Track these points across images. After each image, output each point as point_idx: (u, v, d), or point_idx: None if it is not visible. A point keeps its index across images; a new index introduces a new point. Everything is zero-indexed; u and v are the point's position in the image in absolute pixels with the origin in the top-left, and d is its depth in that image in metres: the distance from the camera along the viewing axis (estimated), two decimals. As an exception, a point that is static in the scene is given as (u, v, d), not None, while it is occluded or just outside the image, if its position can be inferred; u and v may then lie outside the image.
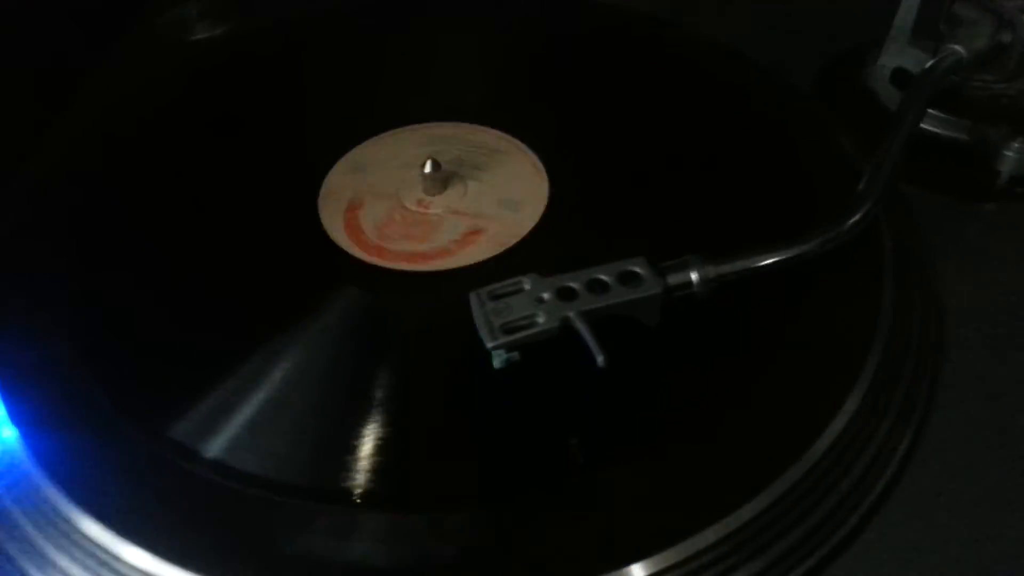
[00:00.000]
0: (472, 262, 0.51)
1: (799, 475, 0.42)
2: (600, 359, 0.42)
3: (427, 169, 0.53)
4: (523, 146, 0.57)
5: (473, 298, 0.45)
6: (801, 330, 0.47)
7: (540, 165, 0.56)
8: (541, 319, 0.44)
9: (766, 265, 0.46)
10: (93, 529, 0.42)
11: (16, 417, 0.46)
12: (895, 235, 0.51)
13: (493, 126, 0.58)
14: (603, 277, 0.45)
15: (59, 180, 0.58)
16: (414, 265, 0.51)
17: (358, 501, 0.42)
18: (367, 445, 0.44)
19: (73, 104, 0.64)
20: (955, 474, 0.45)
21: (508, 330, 0.44)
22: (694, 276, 0.45)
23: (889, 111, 0.58)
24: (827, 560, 0.42)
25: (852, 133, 0.56)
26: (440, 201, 0.54)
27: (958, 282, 0.52)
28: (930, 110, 0.55)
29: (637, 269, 0.45)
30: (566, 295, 0.45)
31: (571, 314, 0.44)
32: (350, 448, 0.44)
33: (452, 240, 0.52)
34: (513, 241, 0.52)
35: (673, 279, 0.45)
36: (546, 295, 0.45)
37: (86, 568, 0.42)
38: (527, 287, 0.45)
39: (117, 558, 0.42)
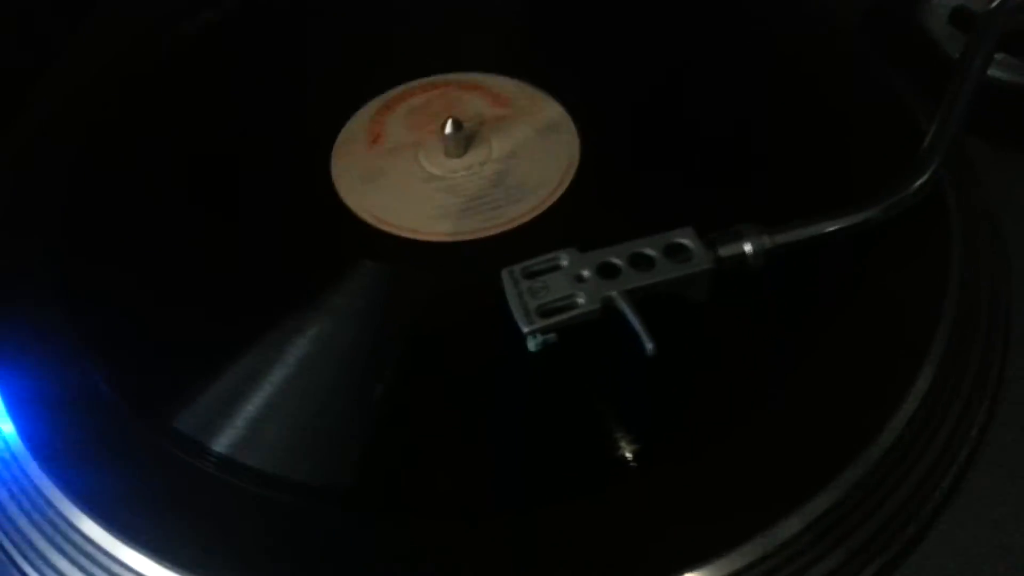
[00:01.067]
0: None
1: (874, 459, 0.39)
2: (650, 346, 0.39)
3: (448, 130, 0.49)
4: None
5: (506, 276, 0.42)
6: (862, 303, 0.43)
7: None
8: (581, 300, 0.41)
9: (826, 234, 0.43)
10: (91, 528, 0.40)
11: (14, 411, 0.44)
12: (959, 193, 0.47)
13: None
14: (648, 251, 0.42)
15: (50, 161, 0.55)
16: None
17: (376, 504, 0.40)
18: (387, 444, 0.42)
19: (62, 72, 0.61)
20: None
21: (545, 312, 0.40)
22: (748, 247, 0.42)
23: (945, 54, 0.54)
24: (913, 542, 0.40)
25: (907, 80, 0.52)
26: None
27: (1021, 239, 0.48)
28: (996, 54, 0.51)
29: (685, 241, 0.42)
30: (608, 272, 0.41)
31: (614, 294, 0.40)
32: (368, 447, 0.42)
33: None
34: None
35: (725, 251, 0.42)
36: (586, 272, 0.41)
37: (82, 568, 0.40)
38: (564, 263, 0.42)
39: (114, 558, 0.40)
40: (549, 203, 0.48)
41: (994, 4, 0.51)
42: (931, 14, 0.56)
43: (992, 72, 0.52)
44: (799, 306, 0.44)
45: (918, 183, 0.44)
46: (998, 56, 0.51)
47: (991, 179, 0.50)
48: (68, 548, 0.41)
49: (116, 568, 0.40)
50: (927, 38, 0.56)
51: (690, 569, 0.37)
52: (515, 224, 0.47)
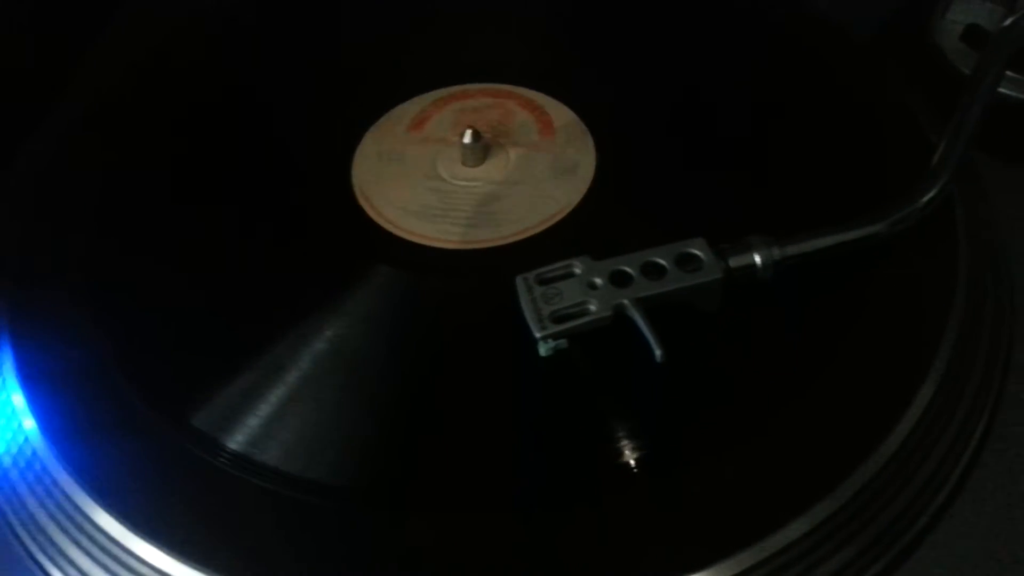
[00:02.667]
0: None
1: (879, 464, 0.40)
2: (659, 353, 0.39)
3: (467, 140, 0.50)
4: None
5: (520, 283, 0.42)
6: (869, 314, 0.44)
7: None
8: (593, 307, 0.41)
9: (836, 246, 0.43)
10: (111, 524, 0.41)
11: (36, 408, 0.44)
12: (967, 208, 0.48)
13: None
14: (659, 260, 0.42)
15: (74, 160, 0.55)
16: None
17: (384, 502, 0.41)
18: (397, 444, 0.42)
19: (78, 76, 0.61)
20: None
21: (558, 318, 0.41)
22: (758, 259, 0.42)
23: (957, 71, 0.54)
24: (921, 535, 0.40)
25: (920, 95, 0.53)
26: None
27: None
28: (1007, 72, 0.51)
29: (696, 251, 0.42)
30: (620, 280, 0.42)
31: (626, 302, 0.41)
32: (378, 447, 0.42)
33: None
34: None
35: (735, 262, 0.42)
36: (598, 280, 0.42)
37: (101, 564, 0.41)
38: (578, 271, 0.42)
39: (134, 555, 0.40)
40: (512, 240, 0.48)
41: (1007, 23, 0.51)
42: (944, 32, 0.56)
43: (1003, 89, 0.53)
44: (807, 316, 0.44)
45: (927, 197, 0.44)
46: (1009, 74, 0.52)
47: (999, 195, 0.50)
48: (84, 540, 0.41)
49: (129, 560, 0.40)
50: (940, 55, 0.56)
51: (699, 569, 0.38)
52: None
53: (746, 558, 0.38)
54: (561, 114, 0.53)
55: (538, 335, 0.41)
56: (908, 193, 0.45)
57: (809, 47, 0.55)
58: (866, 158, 0.49)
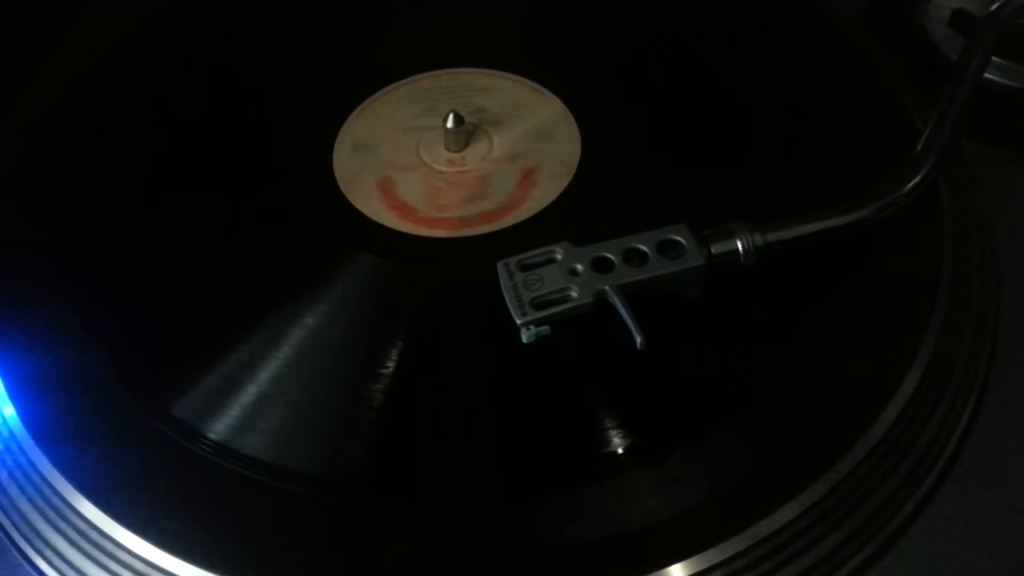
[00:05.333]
0: (549, 202, 0.48)
1: (867, 449, 0.40)
2: (639, 339, 0.39)
3: (449, 124, 0.49)
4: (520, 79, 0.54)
5: (501, 268, 0.42)
6: (856, 300, 0.44)
7: (543, 89, 0.53)
8: (575, 293, 0.41)
9: (819, 232, 0.43)
10: (91, 511, 0.41)
11: (15, 394, 0.44)
12: (952, 192, 0.48)
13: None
14: (641, 246, 0.42)
15: (48, 142, 0.55)
16: (495, 224, 0.48)
17: (377, 490, 0.41)
18: (380, 433, 0.42)
19: (55, 56, 0.60)
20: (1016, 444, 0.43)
21: (539, 305, 0.41)
22: (740, 245, 0.42)
23: (944, 56, 0.54)
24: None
25: (905, 78, 0.52)
26: (472, 155, 0.51)
27: (1013, 241, 0.49)
28: (993, 57, 0.51)
29: (678, 238, 0.42)
30: (601, 266, 0.42)
31: (607, 288, 0.41)
32: (361, 437, 0.42)
33: (513, 188, 0.49)
34: (573, 167, 0.49)
35: (717, 248, 0.42)
36: (580, 266, 0.42)
37: (81, 551, 0.41)
38: (559, 257, 0.42)
39: (114, 541, 0.40)
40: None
41: (993, 8, 0.51)
42: (931, 17, 0.56)
43: (989, 75, 0.52)
44: (794, 301, 0.44)
45: (911, 183, 0.44)
46: (997, 60, 0.51)
47: (986, 181, 0.50)
48: (66, 528, 0.41)
49: (112, 548, 0.40)
50: (927, 40, 0.56)
51: (692, 553, 0.38)
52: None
53: (739, 542, 0.38)
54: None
55: (519, 321, 0.40)
56: (893, 179, 0.44)
57: (795, 32, 0.55)
58: (853, 146, 0.49)
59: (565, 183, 0.49)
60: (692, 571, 0.38)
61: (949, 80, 0.48)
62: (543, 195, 0.48)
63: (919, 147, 0.46)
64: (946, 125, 0.46)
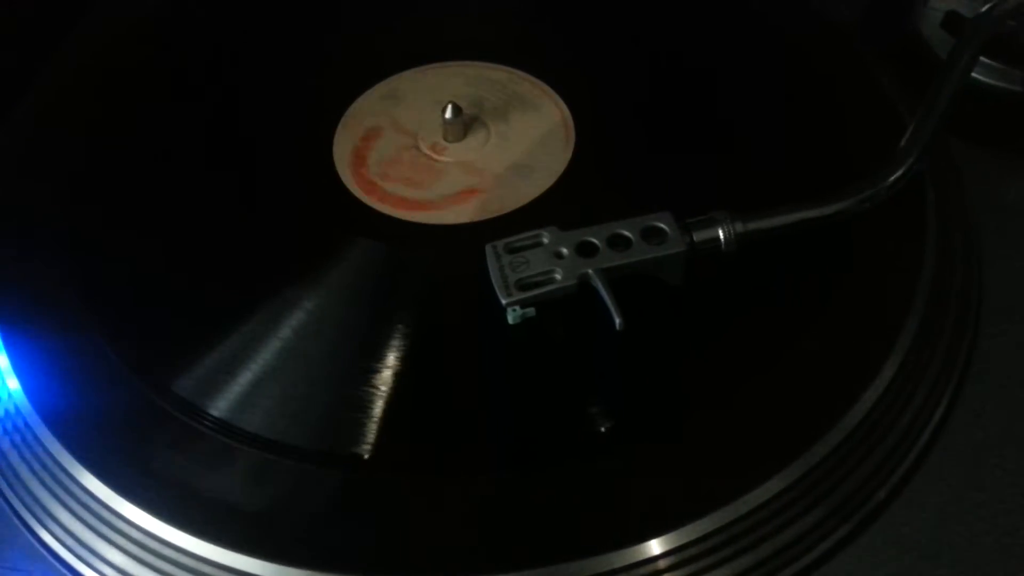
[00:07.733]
0: (454, 222, 0.48)
1: (846, 431, 0.41)
2: (618, 321, 0.40)
3: (447, 114, 0.51)
4: (558, 100, 0.54)
5: (489, 250, 0.43)
6: (839, 288, 0.45)
7: (571, 123, 0.52)
8: (559, 275, 0.42)
9: (800, 222, 0.44)
10: (94, 484, 0.42)
11: (20, 369, 0.45)
12: (937, 188, 0.49)
13: (538, 76, 0.55)
14: (625, 232, 0.43)
15: (55, 122, 0.56)
16: (398, 211, 0.49)
17: (372, 466, 0.42)
18: (378, 411, 0.43)
19: (66, 39, 0.62)
20: (989, 440, 0.43)
21: (524, 286, 0.42)
22: (721, 233, 0.43)
23: (938, 57, 0.54)
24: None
25: (899, 79, 0.53)
26: (455, 149, 0.52)
27: (998, 240, 0.49)
28: (982, 58, 0.52)
29: (662, 225, 0.43)
30: (586, 251, 0.43)
31: (590, 271, 0.42)
32: (368, 412, 0.43)
33: (445, 195, 0.50)
34: (505, 210, 0.48)
35: (699, 236, 0.43)
36: (565, 250, 0.43)
37: (85, 523, 0.42)
38: (546, 240, 0.43)
39: (117, 514, 0.41)
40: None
41: (984, 8, 0.52)
42: (925, 18, 0.57)
43: (978, 76, 0.53)
44: (777, 289, 0.45)
45: (893, 177, 0.45)
46: (986, 61, 0.52)
47: (974, 179, 0.51)
48: (69, 501, 0.42)
49: (114, 520, 0.41)
50: (922, 43, 0.57)
51: (678, 526, 0.39)
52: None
53: (725, 514, 0.39)
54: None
55: (504, 302, 0.41)
56: (875, 172, 0.45)
57: (783, 28, 0.56)
58: (845, 142, 0.50)
59: (489, 216, 0.49)
60: (670, 546, 0.39)
61: (936, 77, 0.48)
62: (461, 213, 0.49)
63: (903, 142, 0.46)
64: (930, 121, 0.47)
